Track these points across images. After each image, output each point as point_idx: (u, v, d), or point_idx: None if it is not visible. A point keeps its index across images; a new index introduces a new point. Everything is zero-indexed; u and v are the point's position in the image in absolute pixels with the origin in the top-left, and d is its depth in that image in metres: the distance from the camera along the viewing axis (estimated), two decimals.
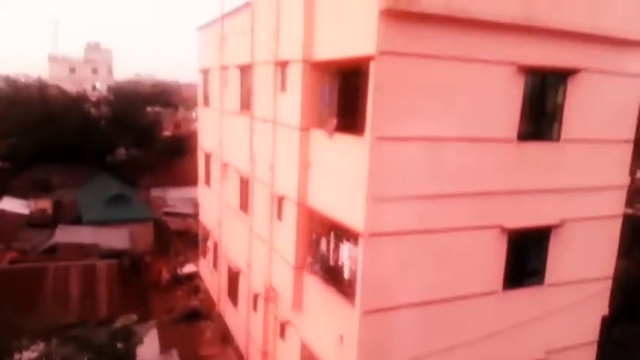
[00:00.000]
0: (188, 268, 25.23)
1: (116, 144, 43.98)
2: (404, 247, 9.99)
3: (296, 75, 11.99)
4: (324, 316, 11.55)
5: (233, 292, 18.24)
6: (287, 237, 12.91)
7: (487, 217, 10.66)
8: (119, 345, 12.50)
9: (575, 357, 12.57)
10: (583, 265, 12.15)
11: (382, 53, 9.10)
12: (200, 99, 23.10)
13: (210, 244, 21.97)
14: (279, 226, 13.57)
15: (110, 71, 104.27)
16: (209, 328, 19.98)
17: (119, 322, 13.22)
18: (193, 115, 59.68)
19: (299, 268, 12.48)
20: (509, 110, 10.46)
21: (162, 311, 20.71)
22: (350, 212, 10.07)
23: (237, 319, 17.98)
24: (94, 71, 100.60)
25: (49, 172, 36.12)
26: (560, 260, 11.74)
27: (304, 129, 11.91)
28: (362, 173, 9.48)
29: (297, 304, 12.62)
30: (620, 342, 15.64)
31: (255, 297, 15.60)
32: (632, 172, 12.79)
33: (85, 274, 18.37)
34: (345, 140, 10.37)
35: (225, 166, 18.90)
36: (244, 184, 16.62)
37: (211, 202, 21.36)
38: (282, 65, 12.72)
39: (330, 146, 10.98)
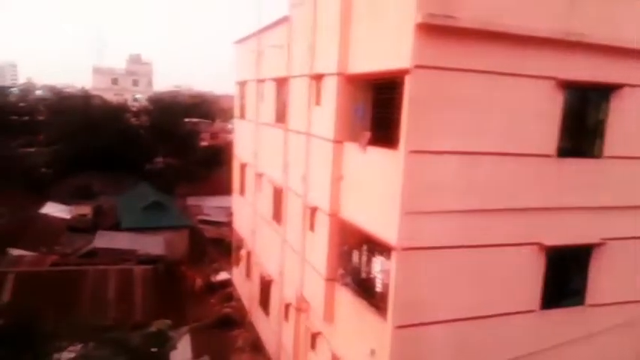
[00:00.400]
0: (221, 276, 25.42)
1: (155, 153, 45.00)
2: (438, 262, 9.77)
3: (331, 88, 11.98)
4: (355, 329, 11.39)
5: (265, 301, 18.24)
6: (319, 248, 12.84)
7: (525, 233, 10.33)
8: (153, 349, 12.63)
9: None
10: (626, 286, 11.60)
11: (418, 67, 8.98)
12: (236, 111, 23.37)
13: (243, 252, 22.08)
14: (311, 237, 13.52)
15: (150, 83, 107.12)
16: (241, 335, 20.00)
17: (154, 327, 13.37)
18: (229, 126, 60.52)
19: (331, 280, 12.36)
20: (547, 125, 10.15)
21: (196, 317, 20.85)
22: (383, 225, 9.93)
23: (268, 328, 17.95)
24: (135, 82, 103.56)
25: (90, 179, 37.18)
26: (601, 280, 11.26)
27: (338, 141, 11.86)
28: (395, 186, 9.35)
29: (329, 315, 12.49)
30: None
31: (287, 307, 15.55)
32: None
33: (121, 278, 18.75)
34: (379, 153, 10.26)
35: (259, 176, 19.01)
36: (277, 195, 16.67)
37: (245, 212, 21.50)
38: (318, 79, 12.73)
39: (364, 159, 10.89)
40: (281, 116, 16.26)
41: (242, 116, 22.29)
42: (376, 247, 10.51)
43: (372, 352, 10.35)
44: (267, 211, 17.98)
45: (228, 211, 30.21)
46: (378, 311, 10.33)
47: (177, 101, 71.45)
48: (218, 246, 29.05)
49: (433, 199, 9.52)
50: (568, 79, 9.98)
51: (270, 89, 17.53)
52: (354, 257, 11.66)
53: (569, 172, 10.49)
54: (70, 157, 39.52)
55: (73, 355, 12.00)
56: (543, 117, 10.08)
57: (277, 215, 16.78)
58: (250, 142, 20.10)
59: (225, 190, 29.25)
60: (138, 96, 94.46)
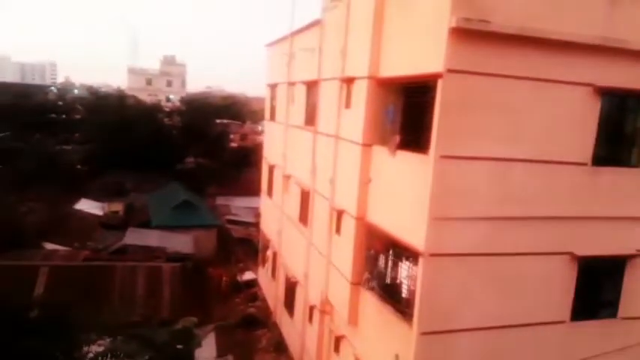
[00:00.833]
0: (247, 276, 25.57)
1: (186, 153, 45.63)
2: (466, 269, 9.61)
3: (361, 91, 11.93)
4: (380, 334, 11.29)
5: (290, 302, 18.26)
6: (345, 251, 12.78)
7: (557, 243, 10.07)
8: (179, 346, 12.76)
9: None
10: None
11: (451, 71, 8.87)
12: (267, 113, 23.53)
13: (269, 253, 22.18)
14: (337, 240, 13.47)
15: (183, 84, 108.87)
16: (265, 336, 20.06)
17: (180, 324, 13.52)
18: (259, 128, 61.03)
19: (356, 284, 12.29)
20: (583, 133, 9.89)
21: (221, 316, 21.01)
22: (410, 230, 9.81)
23: (292, 329, 17.96)
24: (169, 83, 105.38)
25: (123, 177, 37.93)
26: (636, 293, 10.88)
27: (366, 145, 11.80)
28: (424, 191, 9.23)
29: (353, 319, 12.41)
30: None
31: (312, 309, 15.52)
32: None
33: (150, 275, 19.04)
34: (408, 158, 10.16)
35: (287, 178, 19.07)
36: (305, 197, 16.69)
37: (272, 213, 21.59)
38: (348, 82, 12.70)
39: (392, 163, 10.79)
40: (310, 119, 16.28)
41: (272, 118, 22.43)
42: (403, 252, 10.40)
43: (397, 358, 10.24)
44: (293, 212, 18.01)
45: (256, 212, 30.40)
46: (403, 317, 10.21)
47: (209, 102, 72.41)
48: (245, 246, 29.23)
49: (462, 205, 9.37)
50: (606, 85, 9.71)
51: (300, 92, 17.58)
52: (380, 262, 11.56)
53: (605, 181, 10.19)
54: (104, 156, 40.43)
55: (101, 348, 12.19)
56: (579, 124, 9.82)
57: (304, 217, 16.79)
58: (279, 144, 20.19)
59: (253, 191, 29.45)
60: (171, 96, 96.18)
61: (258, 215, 27.50)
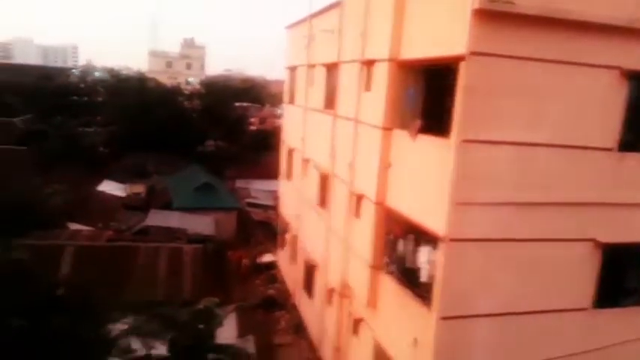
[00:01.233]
0: (267, 258, 25.82)
1: (206, 136, 45.92)
2: (486, 254, 9.56)
3: (382, 74, 11.82)
4: (399, 318, 11.34)
5: (309, 285, 18.42)
6: (364, 235, 12.81)
7: (580, 229, 9.94)
8: (200, 325, 12.99)
9: None
10: None
11: (473, 54, 8.74)
12: (286, 96, 23.48)
13: (288, 236, 22.33)
14: (356, 224, 13.50)
15: (203, 66, 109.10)
16: (284, 317, 20.33)
17: (202, 304, 13.72)
18: (278, 111, 60.99)
19: (375, 267, 12.33)
20: (609, 118, 9.67)
21: (241, 297, 21.31)
22: (431, 215, 9.78)
23: (311, 311, 18.15)
24: (188, 66, 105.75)
25: (144, 159, 38.41)
26: None
27: (387, 129, 11.72)
28: (446, 176, 9.17)
29: (372, 303, 12.48)
30: None
31: (331, 292, 15.64)
32: None
33: (172, 255, 19.30)
34: (429, 142, 10.08)
35: (306, 161, 19.09)
36: (323, 181, 16.70)
37: (291, 196, 21.69)
38: (369, 64, 12.58)
39: (413, 147, 10.72)
40: (330, 102, 16.21)
41: (291, 101, 22.38)
42: (423, 236, 10.38)
43: (415, 342, 10.30)
44: (312, 196, 18.06)
45: (275, 195, 30.58)
46: (422, 301, 10.23)
47: (229, 85, 72.53)
48: (264, 229, 29.48)
49: (484, 190, 9.29)
50: (633, 69, 9.45)
51: (320, 74, 17.49)
52: (400, 246, 11.56)
53: (631, 167, 9.99)
54: (126, 138, 40.93)
55: (125, 326, 12.49)
56: (605, 109, 9.61)
57: (323, 201, 16.83)
58: (298, 128, 20.18)
59: (272, 174, 29.58)
60: (191, 79, 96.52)
61: (277, 198, 27.66)
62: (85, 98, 62.26)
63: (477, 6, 8.41)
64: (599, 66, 9.37)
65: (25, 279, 10.54)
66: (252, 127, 53.43)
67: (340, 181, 14.86)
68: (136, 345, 11.69)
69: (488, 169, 9.28)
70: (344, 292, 14.51)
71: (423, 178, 10.29)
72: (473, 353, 9.98)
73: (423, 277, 10.43)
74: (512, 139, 9.27)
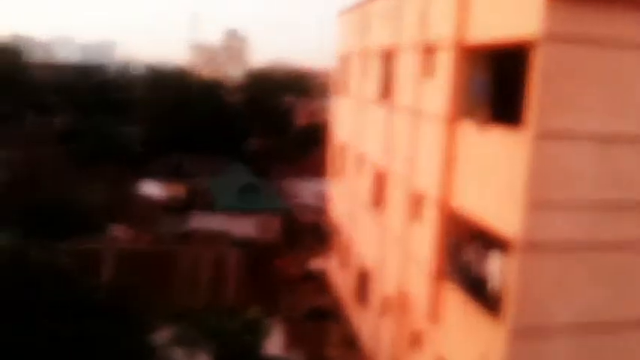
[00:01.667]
0: (315, 263, 25.89)
1: (249, 132, 46.55)
2: (565, 260, 9.23)
3: (445, 60, 11.64)
4: (463, 330, 11.11)
5: (362, 294, 18.34)
6: (424, 240, 12.63)
7: None
8: (247, 336, 13.20)
9: None
10: None
11: (549, 37, 8.50)
12: (337, 87, 23.50)
13: (339, 240, 22.32)
14: (415, 227, 13.33)
15: (246, 58, 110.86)
16: (334, 328, 20.31)
17: (249, 314, 13.95)
18: (327, 103, 61.09)
19: (436, 275, 12.13)
20: None
21: (288, 306, 21.46)
22: (502, 217, 9.53)
23: (365, 322, 18.06)
24: (231, 58, 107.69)
25: (184, 158, 39.41)
26: None
27: (451, 120, 11.52)
28: (519, 173, 8.92)
29: (434, 314, 12.29)
30: None
31: (386, 301, 15.52)
32: None
33: (215, 261, 19.76)
34: (500, 134, 9.82)
35: (358, 158, 19.04)
36: (379, 179, 16.59)
37: (342, 196, 21.67)
38: (430, 50, 12.41)
39: (481, 140, 10.48)
40: (386, 92, 16.09)
41: (342, 92, 22.38)
42: (493, 241, 10.12)
43: (483, 356, 10.05)
44: (366, 196, 17.98)
45: (324, 195, 30.64)
46: (491, 313, 9.98)
47: (273, 78, 73.38)
48: (312, 232, 29.56)
49: (563, 188, 8.99)
50: None
51: (375, 63, 17.40)
52: (466, 251, 11.32)
53: None
54: (165, 136, 42.10)
55: (167, 335, 12.84)
56: None
57: (378, 201, 16.72)
58: (350, 121, 20.15)
59: (321, 172, 29.64)
60: (233, 72, 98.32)
61: (326, 199, 27.70)
62: (124, 95, 64.53)
63: None
64: None
65: (66, 283, 11.00)
66: (299, 122, 53.75)
67: (397, 179, 14.73)
68: (177, 354, 11.98)
69: (568, 165, 8.97)
70: (402, 302, 14.35)
71: (493, 175, 10.04)
72: None
73: (492, 287, 10.17)
74: (593, 131, 8.95)
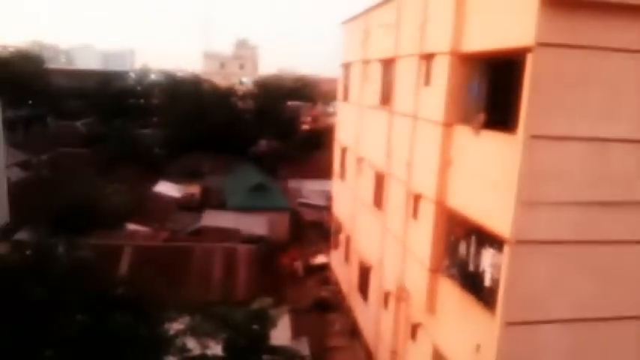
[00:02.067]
0: (319, 259, 25.85)
1: (259, 136, 46.60)
2: (556, 257, 9.12)
3: (442, 68, 11.53)
4: (460, 323, 11.01)
5: (363, 287, 18.26)
6: (422, 237, 12.53)
7: None
8: (255, 326, 13.11)
9: None
10: None
11: (541, 44, 8.38)
12: (340, 93, 23.41)
13: (342, 237, 22.24)
14: (414, 225, 13.23)
15: (256, 66, 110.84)
16: (338, 320, 20.26)
17: (256, 304, 13.84)
18: (330, 109, 61.10)
19: (434, 271, 12.04)
20: None
21: (294, 298, 21.42)
22: (496, 215, 9.42)
23: (366, 314, 17.97)
24: (242, 66, 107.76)
25: (199, 159, 39.43)
26: None
27: (447, 124, 11.41)
28: (512, 174, 8.81)
29: (431, 307, 12.19)
30: None
31: (387, 295, 15.42)
32: None
33: (226, 256, 19.66)
34: (494, 137, 9.72)
35: (360, 160, 18.95)
36: (379, 180, 16.50)
37: (345, 196, 21.58)
38: (428, 58, 12.31)
39: (476, 143, 10.37)
40: (386, 98, 16.00)
41: (345, 99, 22.29)
42: (487, 238, 10.02)
43: (478, 348, 9.96)
44: (367, 196, 17.89)
45: (327, 195, 30.57)
46: (486, 306, 9.88)
47: (281, 84, 73.39)
48: (316, 229, 29.53)
49: (553, 188, 8.87)
50: None
51: (375, 70, 17.30)
52: (461, 248, 11.23)
53: None
54: (181, 139, 42.17)
55: (181, 326, 12.78)
56: None
57: (378, 201, 16.63)
58: (352, 126, 20.07)
59: (325, 173, 29.58)
60: (244, 79, 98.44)
61: (329, 198, 27.64)
62: (142, 101, 64.70)
63: None
64: None
65: (89, 277, 10.97)
66: (305, 126, 53.74)
67: (397, 180, 14.63)
68: (192, 344, 11.92)
69: (558, 166, 8.85)
70: (401, 295, 14.26)
71: (487, 176, 9.93)
72: None
73: (487, 281, 10.07)
74: (584, 134, 8.82)
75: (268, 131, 46.91)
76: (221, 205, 29.02)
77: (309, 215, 31.26)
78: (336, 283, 22.89)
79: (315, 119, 58.11)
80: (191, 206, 29.93)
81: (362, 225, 18.98)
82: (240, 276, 18.97)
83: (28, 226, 22.34)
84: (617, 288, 9.49)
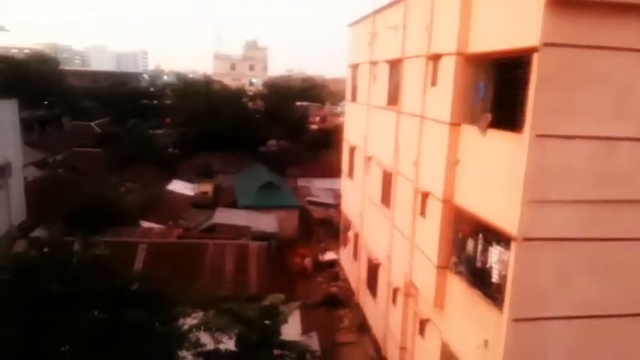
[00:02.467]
0: (329, 256, 25.88)
1: (268, 135, 46.73)
2: (562, 254, 9.06)
3: (448, 68, 11.48)
4: (467, 319, 10.98)
5: (372, 284, 18.25)
6: (430, 234, 12.50)
7: None
8: (267, 322, 13.15)
9: None
10: None
11: (547, 45, 8.30)
12: (348, 94, 23.39)
13: (350, 234, 22.25)
14: (421, 223, 13.20)
15: (265, 67, 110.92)
16: (347, 316, 20.27)
17: (267, 301, 13.88)
18: (338, 109, 61.06)
19: (442, 267, 12.00)
20: None
21: (304, 295, 21.45)
22: (502, 213, 9.37)
23: (375, 310, 17.97)
24: (251, 68, 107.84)
25: (211, 159, 39.61)
26: None
27: (454, 124, 11.36)
28: (518, 172, 8.75)
29: (439, 303, 12.16)
30: None
31: (395, 291, 15.41)
32: None
33: (238, 252, 19.74)
34: (501, 137, 9.66)
35: (368, 159, 18.93)
36: (387, 178, 16.48)
37: (353, 194, 21.58)
38: (434, 59, 12.26)
39: (483, 143, 10.32)
40: (393, 99, 15.96)
41: (353, 99, 22.27)
42: (494, 236, 9.98)
43: (485, 344, 9.93)
44: (375, 194, 17.88)
45: (336, 193, 30.59)
46: (493, 302, 9.84)
47: (290, 85, 73.48)
48: (325, 227, 29.56)
49: (560, 187, 8.80)
50: None
51: (383, 71, 17.27)
52: (469, 245, 11.19)
53: None
54: (193, 139, 42.38)
55: (195, 321, 12.85)
56: None
57: (386, 199, 16.61)
58: (360, 125, 20.04)
59: (333, 172, 29.60)
60: (254, 80, 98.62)
61: (338, 197, 27.66)
62: (155, 101, 65.06)
63: None
64: None
65: (105, 274, 11.04)
66: (313, 126, 53.78)
67: (404, 178, 14.60)
68: (205, 339, 11.97)
69: (564, 165, 8.78)
70: (409, 291, 14.25)
71: (494, 174, 9.88)
72: (546, 357, 9.50)
73: (494, 278, 10.03)
74: (589, 133, 8.72)
75: (278, 131, 47.03)
76: (232, 203, 29.12)
77: (318, 213, 31.29)
78: (345, 280, 22.90)
79: (323, 119, 58.11)
80: (204, 204, 30.08)
81: (370, 222, 18.97)
82: (252, 272, 19.03)
83: (45, 223, 22.56)
84: (623, 285, 9.40)
